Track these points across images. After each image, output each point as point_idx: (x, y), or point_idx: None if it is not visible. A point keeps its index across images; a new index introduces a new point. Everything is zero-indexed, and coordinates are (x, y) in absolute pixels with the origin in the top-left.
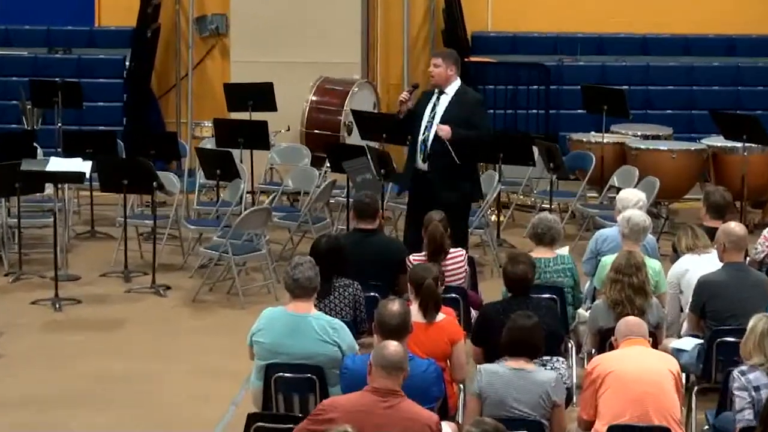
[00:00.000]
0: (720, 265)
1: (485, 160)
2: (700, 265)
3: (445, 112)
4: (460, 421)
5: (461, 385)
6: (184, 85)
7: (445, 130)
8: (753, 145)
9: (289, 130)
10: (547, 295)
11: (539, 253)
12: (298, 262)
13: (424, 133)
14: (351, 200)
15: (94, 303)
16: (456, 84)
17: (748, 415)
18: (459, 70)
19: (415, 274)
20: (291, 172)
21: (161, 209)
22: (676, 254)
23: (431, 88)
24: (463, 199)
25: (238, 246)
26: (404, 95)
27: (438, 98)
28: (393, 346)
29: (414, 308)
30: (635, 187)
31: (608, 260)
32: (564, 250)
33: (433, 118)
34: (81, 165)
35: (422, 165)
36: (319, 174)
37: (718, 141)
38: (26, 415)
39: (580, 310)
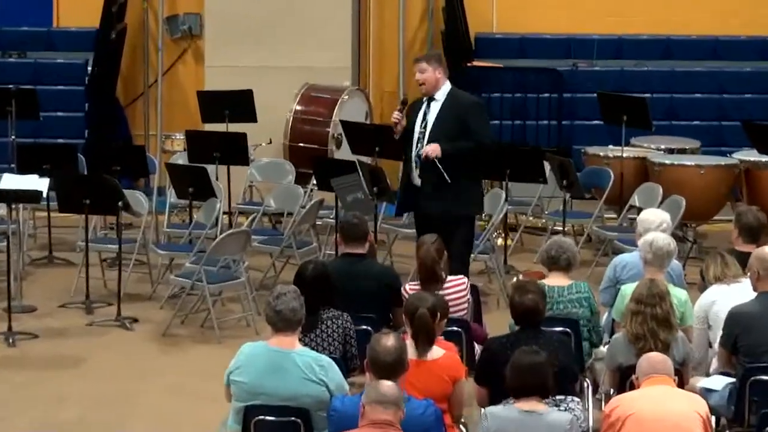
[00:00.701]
0: (753, 295)
1: (490, 174)
2: (729, 295)
3: (436, 119)
4: None
5: (463, 429)
6: (153, 93)
7: (432, 150)
8: None
9: (270, 143)
10: (560, 329)
11: (552, 281)
12: (281, 291)
13: (417, 146)
14: (340, 222)
15: (51, 337)
16: (446, 88)
17: None
18: (446, 71)
19: (409, 305)
20: (273, 190)
21: (127, 232)
22: (704, 282)
23: (421, 97)
24: (463, 217)
25: (213, 274)
26: (396, 116)
27: (428, 106)
28: (388, 383)
29: (410, 343)
30: (658, 207)
31: (628, 289)
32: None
33: (425, 128)
34: (37, 182)
35: (417, 180)
36: (305, 193)
37: (751, 155)
38: None
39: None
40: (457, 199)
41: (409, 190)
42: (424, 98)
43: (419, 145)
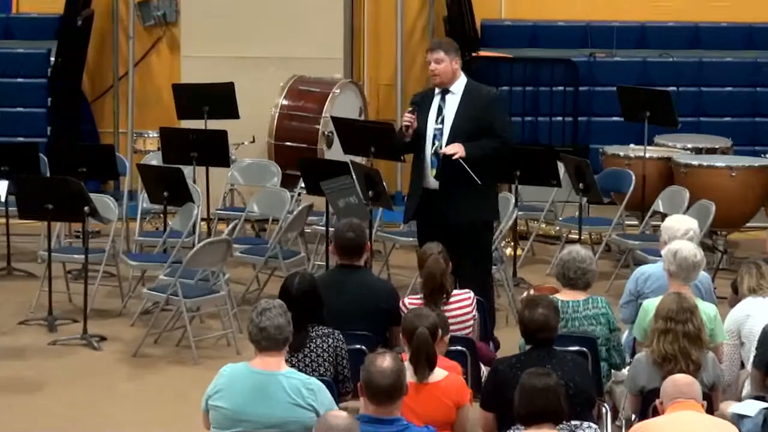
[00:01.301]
0: None
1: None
2: (765, 310)
3: (456, 115)
4: None
5: None
6: (124, 86)
7: (456, 150)
8: None
9: (254, 142)
10: (575, 348)
11: (566, 295)
12: (266, 306)
13: (434, 144)
14: (331, 230)
15: (9, 358)
16: (463, 80)
17: None
18: (461, 62)
19: (407, 322)
20: (256, 194)
21: (95, 241)
22: (736, 296)
23: (430, 89)
24: (483, 225)
25: (190, 287)
26: (408, 119)
27: (443, 99)
28: (338, 413)
29: (408, 364)
30: (685, 213)
31: (651, 304)
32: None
33: (442, 123)
34: None
35: (433, 183)
36: (292, 197)
37: None
38: None
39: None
40: (479, 204)
41: (420, 194)
42: (436, 90)
43: (436, 142)
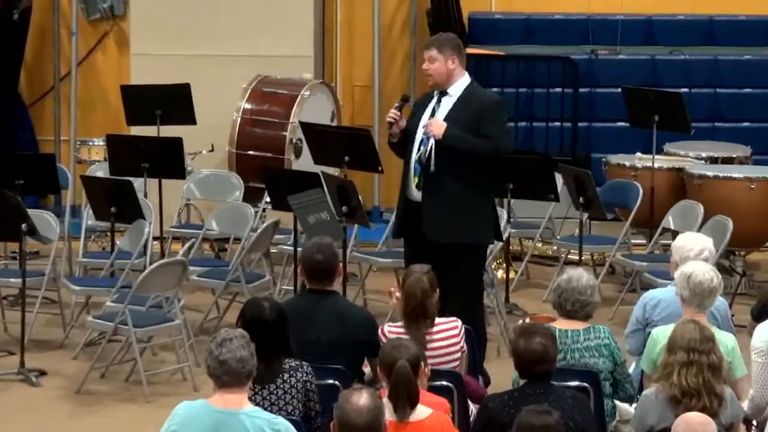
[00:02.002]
0: None
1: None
2: None
3: (446, 118)
4: None
5: None
6: (66, 88)
7: (435, 126)
8: None
9: (212, 150)
10: (575, 383)
11: (565, 323)
12: (226, 337)
13: (418, 151)
14: (300, 250)
15: None
16: (463, 81)
17: None
18: (464, 61)
19: (385, 355)
20: (216, 210)
21: (33, 262)
22: (756, 323)
23: (431, 89)
24: (471, 248)
25: (141, 315)
26: (393, 114)
27: (438, 102)
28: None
29: (387, 401)
30: (699, 230)
31: (661, 333)
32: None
33: None
34: None
35: (416, 194)
36: (256, 213)
37: None
38: None
39: (624, 405)
40: (466, 223)
41: (402, 206)
42: (435, 92)
43: (422, 148)
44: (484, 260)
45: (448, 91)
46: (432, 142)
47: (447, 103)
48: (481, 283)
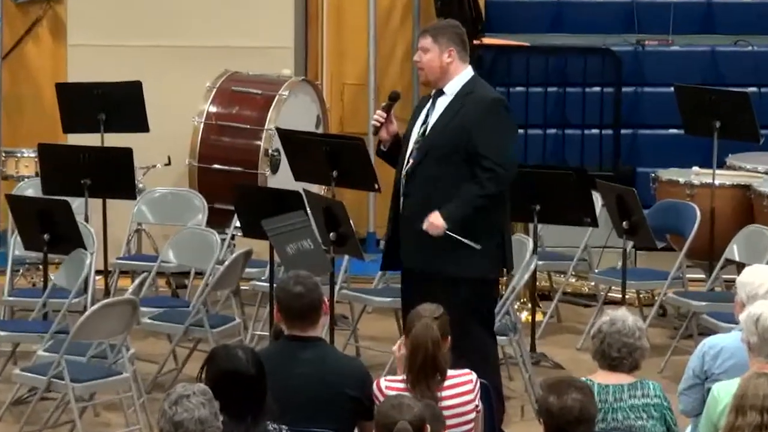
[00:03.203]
0: None
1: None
2: None
3: (434, 126)
4: None
5: None
6: None
7: (432, 227)
8: None
9: (169, 164)
10: None
11: (605, 377)
12: (182, 393)
13: (406, 164)
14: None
15: None
16: (462, 77)
17: None
18: (466, 53)
19: (383, 415)
20: (173, 237)
21: None
22: None
23: (423, 86)
24: (467, 280)
25: (81, 367)
26: (378, 116)
27: (433, 104)
28: None
29: None
30: None
31: (724, 390)
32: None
33: (423, 135)
34: None
35: (405, 213)
36: (223, 241)
37: None
38: None
39: None
40: (478, 259)
41: (392, 228)
42: (433, 91)
43: (410, 160)
44: (489, 298)
45: (444, 89)
46: (415, 154)
47: (441, 105)
48: (488, 323)
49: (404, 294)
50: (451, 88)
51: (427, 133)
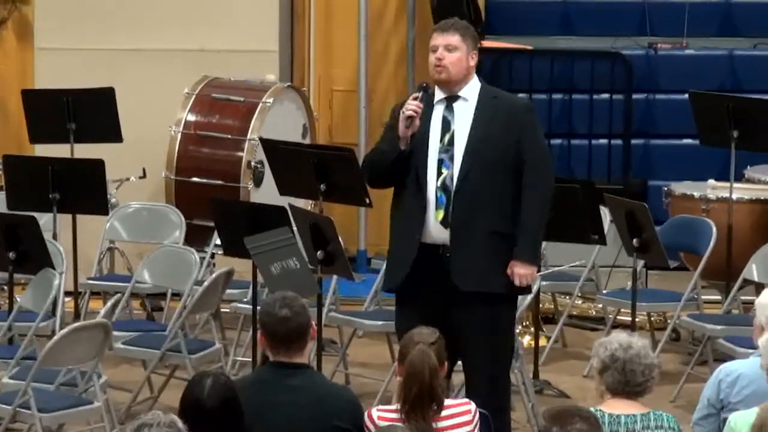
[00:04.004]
0: None
1: None
2: None
3: (473, 131)
4: None
5: None
6: None
7: (524, 277)
8: None
9: (144, 176)
10: None
11: (615, 406)
12: (146, 422)
13: (440, 174)
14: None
15: None
16: (475, 83)
17: None
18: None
19: None
20: (148, 256)
21: None
22: None
23: (422, 95)
24: (507, 298)
25: (49, 396)
26: (415, 105)
27: (449, 109)
28: None
29: None
30: None
31: (742, 420)
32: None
33: (452, 145)
34: None
35: (439, 233)
36: (202, 260)
37: None
38: None
39: None
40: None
41: (416, 251)
42: (437, 95)
43: (444, 171)
44: (515, 315)
45: (460, 94)
46: (458, 166)
47: (464, 111)
48: (513, 348)
49: (400, 317)
50: (469, 93)
51: (465, 141)
